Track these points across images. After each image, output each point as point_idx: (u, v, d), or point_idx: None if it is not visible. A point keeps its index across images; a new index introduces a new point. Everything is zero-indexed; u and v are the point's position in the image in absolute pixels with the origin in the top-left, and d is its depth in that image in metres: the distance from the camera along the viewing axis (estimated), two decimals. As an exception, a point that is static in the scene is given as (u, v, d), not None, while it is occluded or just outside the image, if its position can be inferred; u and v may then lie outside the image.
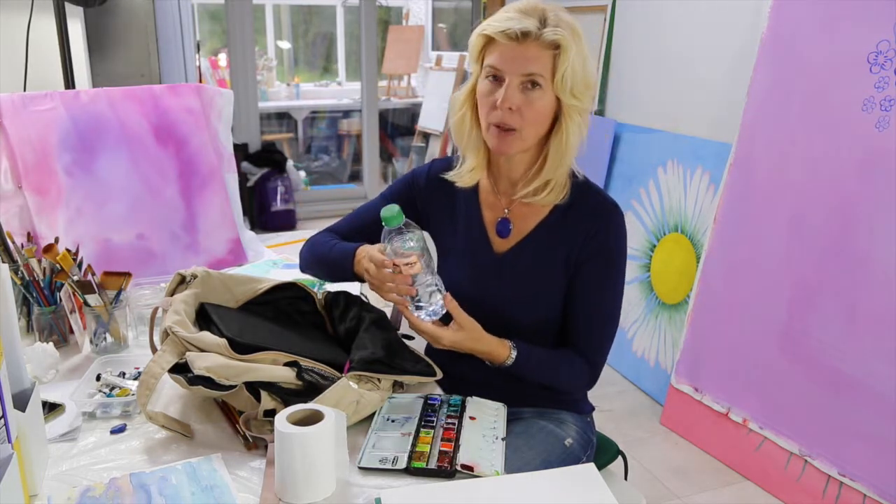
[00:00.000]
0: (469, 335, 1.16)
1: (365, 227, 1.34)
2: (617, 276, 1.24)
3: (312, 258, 1.37)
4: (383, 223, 1.10)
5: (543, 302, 1.24)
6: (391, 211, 1.09)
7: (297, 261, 1.88)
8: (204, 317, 1.22)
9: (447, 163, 1.32)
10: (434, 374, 1.20)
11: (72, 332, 1.36)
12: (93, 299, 1.31)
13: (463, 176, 1.27)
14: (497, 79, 1.14)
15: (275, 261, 1.90)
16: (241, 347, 1.09)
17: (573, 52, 1.09)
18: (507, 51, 1.11)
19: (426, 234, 1.21)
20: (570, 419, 1.29)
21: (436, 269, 1.15)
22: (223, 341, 1.08)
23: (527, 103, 1.12)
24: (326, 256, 1.31)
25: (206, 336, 1.09)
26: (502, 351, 1.18)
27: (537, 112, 1.13)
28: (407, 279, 1.12)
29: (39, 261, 1.36)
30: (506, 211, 1.26)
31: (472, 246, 1.28)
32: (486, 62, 1.14)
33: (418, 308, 1.15)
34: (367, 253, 1.17)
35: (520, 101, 1.12)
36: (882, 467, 1.85)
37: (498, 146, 1.17)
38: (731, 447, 2.27)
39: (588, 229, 1.20)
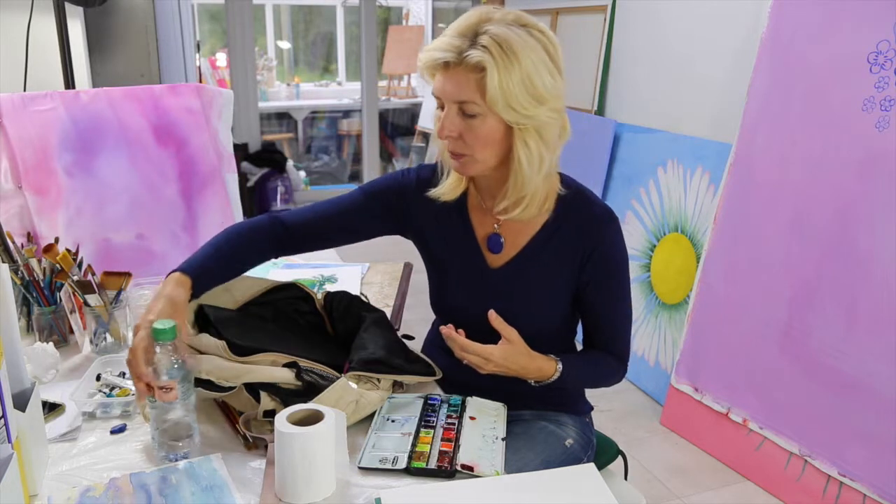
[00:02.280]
0: (518, 349, 1.14)
1: (321, 221, 1.27)
2: (626, 278, 1.24)
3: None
4: (154, 336, 0.97)
5: (541, 315, 1.23)
6: (164, 325, 0.97)
7: (297, 261, 1.89)
8: (203, 319, 1.22)
9: (433, 169, 1.29)
10: (434, 374, 1.20)
11: (72, 332, 1.36)
12: (93, 299, 1.31)
13: (446, 192, 1.24)
14: (440, 105, 1.13)
15: (275, 261, 1.90)
16: (239, 349, 1.09)
17: (501, 71, 1.04)
18: (440, 78, 1.10)
19: None
20: (570, 420, 1.29)
21: (193, 406, 1.01)
22: (222, 343, 1.08)
23: (467, 129, 1.10)
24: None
25: (205, 338, 1.09)
26: (549, 365, 1.17)
27: (478, 136, 1.10)
28: (152, 394, 0.97)
29: (39, 261, 1.36)
30: (496, 226, 1.24)
31: (465, 261, 1.26)
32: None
33: (163, 444, 1.00)
34: (140, 331, 1.01)
35: (460, 127, 1.10)
36: (882, 467, 1.85)
37: (456, 168, 1.18)
38: (731, 447, 2.27)
39: (587, 243, 1.19)
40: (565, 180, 1.22)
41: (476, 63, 1.04)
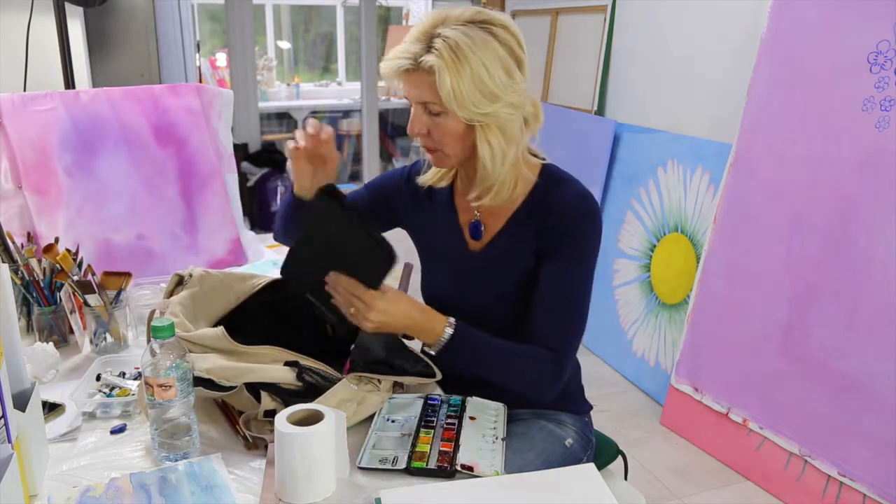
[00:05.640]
0: (409, 299, 1.11)
1: None
2: (582, 261, 1.18)
3: (278, 219, 1.44)
4: (152, 334, 0.98)
5: (521, 298, 1.23)
6: (163, 323, 0.97)
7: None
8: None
9: (425, 163, 1.33)
10: (434, 375, 1.20)
11: (72, 332, 1.36)
12: (93, 299, 1.31)
13: (429, 179, 1.30)
14: (412, 104, 1.17)
15: (275, 261, 1.89)
16: (239, 338, 1.09)
17: (452, 74, 1.07)
18: (404, 82, 1.15)
19: None
20: (570, 420, 1.29)
21: (192, 405, 1.01)
22: (220, 329, 1.08)
23: (434, 126, 1.15)
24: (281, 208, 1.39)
25: (205, 330, 1.09)
26: (438, 325, 1.12)
27: (444, 133, 1.15)
28: None
29: (39, 261, 1.37)
30: (476, 213, 1.27)
31: (449, 249, 1.29)
32: None
33: (162, 444, 1.00)
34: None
35: (427, 124, 1.15)
36: (882, 467, 1.85)
37: (432, 162, 1.23)
38: (731, 447, 2.27)
39: (555, 220, 1.18)
40: (549, 168, 1.23)
41: (429, 67, 1.09)
